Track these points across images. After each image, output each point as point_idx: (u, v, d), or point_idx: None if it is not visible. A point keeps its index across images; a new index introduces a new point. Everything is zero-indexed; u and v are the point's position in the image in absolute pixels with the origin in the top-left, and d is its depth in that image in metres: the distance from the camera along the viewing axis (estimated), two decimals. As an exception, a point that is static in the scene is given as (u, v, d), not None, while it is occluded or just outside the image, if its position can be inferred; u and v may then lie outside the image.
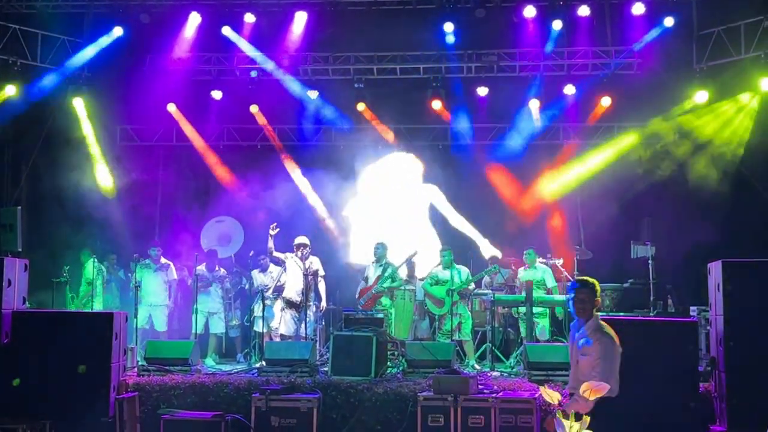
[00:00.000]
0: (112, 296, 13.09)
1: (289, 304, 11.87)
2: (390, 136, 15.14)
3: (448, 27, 13.78)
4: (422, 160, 15.00)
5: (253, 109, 15.01)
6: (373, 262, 12.24)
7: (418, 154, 15.06)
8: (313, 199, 14.89)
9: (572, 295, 6.55)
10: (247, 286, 12.72)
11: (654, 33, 13.44)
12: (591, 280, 6.71)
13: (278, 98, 14.79)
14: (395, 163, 15.13)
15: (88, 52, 14.03)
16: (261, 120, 15.13)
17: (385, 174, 15.06)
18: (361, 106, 14.79)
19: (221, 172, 15.20)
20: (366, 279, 12.21)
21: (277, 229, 11.93)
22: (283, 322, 11.91)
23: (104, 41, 13.96)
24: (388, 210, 14.93)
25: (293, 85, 14.68)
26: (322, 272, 12.12)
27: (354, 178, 14.81)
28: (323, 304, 12.20)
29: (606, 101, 14.20)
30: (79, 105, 14.41)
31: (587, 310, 6.44)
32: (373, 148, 15.08)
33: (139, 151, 15.03)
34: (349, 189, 14.79)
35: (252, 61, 14.48)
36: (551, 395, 7.96)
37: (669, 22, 13.37)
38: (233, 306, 13.01)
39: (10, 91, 13.68)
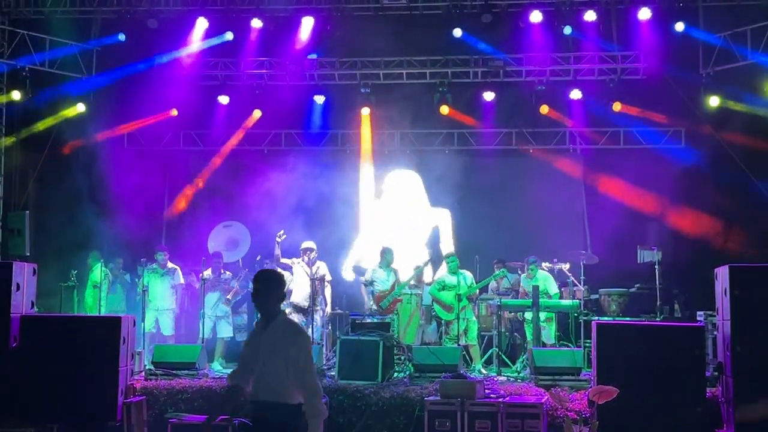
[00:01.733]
0: (117, 299, 13.10)
1: (297, 308, 11.89)
2: (396, 141, 15.20)
3: (457, 32, 13.83)
4: (428, 165, 15.06)
5: (256, 114, 15.05)
6: (381, 267, 12.24)
7: (423, 159, 15.10)
8: (320, 203, 14.89)
9: (253, 288, 5.64)
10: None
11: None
12: (275, 271, 5.94)
13: (285, 103, 14.83)
14: (397, 180, 15.33)
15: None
16: (266, 125, 15.21)
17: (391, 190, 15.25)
18: (366, 111, 14.82)
19: (228, 177, 15.23)
20: (371, 282, 12.16)
21: (284, 236, 11.95)
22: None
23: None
24: (394, 222, 15.11)
25: (300, 91, 14.75)
26: (329, 277, 12.14)
27: (360, 183, 14.84)
28: (328, 309, 12.21)
29: (616, 106, 14.17)
30: (86, 109, 14.45)
31: (270, 305, 5.52)
32: (379, 153, 15.11)
33: (147, 156, 15.06)
34: (354, 193, 14.81)
35: (259, 66, 14.55)
36: (561, 399, 7.99)
37: (680, 27, 13.36)
38: (240, 310, 13.06)
39: (18, 95, 13.75)
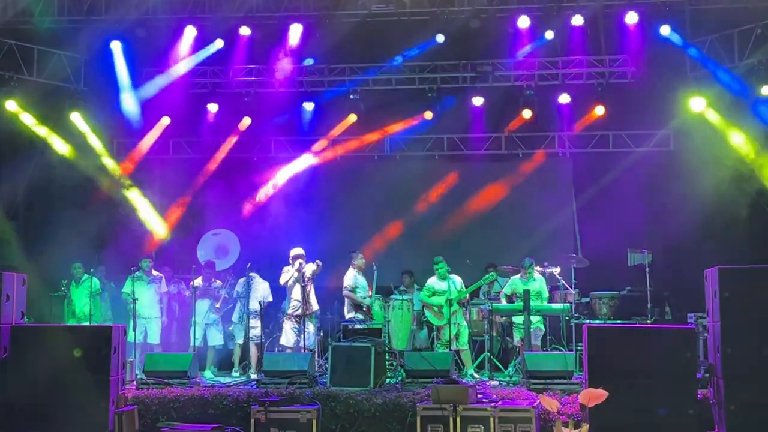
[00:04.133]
0: (105, 308, 13.04)
1: (289, 317, 11.85)
2: (386, 146, 15.22)
3: (440, 38, 13.84)
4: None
5: (246, 122, 15.03)
6: (358, 272, 12.26)
7: (413, 165, 15.10)
8: (309, 209, 14.88)
9: None
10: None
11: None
12: None
13: (274, 110, 14.83)
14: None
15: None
16: (256, 132, 15.20)
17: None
18: (354, 117, 14.83)
19: (218, 184, 15.21)
20: (355, 289, 12.11)
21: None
22: (282, 333, 11.90)
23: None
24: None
25: (289, 97, 14.74)
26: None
27: (352, 189, 14.84)
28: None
29: (600, 110, 14.21)
30: (75, 119, 14.40)
31: None
32: (370, 158, 15.12)
33: (136, 164, 15.01)
34: (346, 199, 14.82)
35: (248, 73, 14.54)
36: (550, 403, 7.99)
37: (665, 30, 13.40)
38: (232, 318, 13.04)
39: (8, 106, 13.69)
